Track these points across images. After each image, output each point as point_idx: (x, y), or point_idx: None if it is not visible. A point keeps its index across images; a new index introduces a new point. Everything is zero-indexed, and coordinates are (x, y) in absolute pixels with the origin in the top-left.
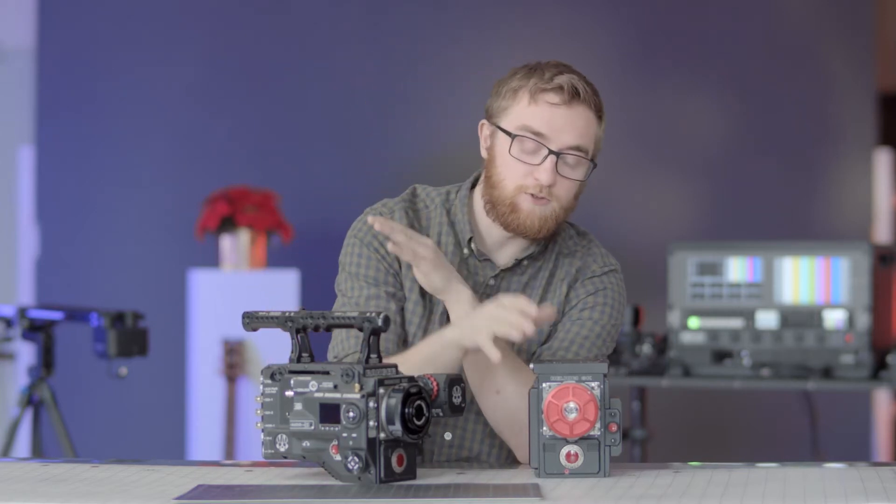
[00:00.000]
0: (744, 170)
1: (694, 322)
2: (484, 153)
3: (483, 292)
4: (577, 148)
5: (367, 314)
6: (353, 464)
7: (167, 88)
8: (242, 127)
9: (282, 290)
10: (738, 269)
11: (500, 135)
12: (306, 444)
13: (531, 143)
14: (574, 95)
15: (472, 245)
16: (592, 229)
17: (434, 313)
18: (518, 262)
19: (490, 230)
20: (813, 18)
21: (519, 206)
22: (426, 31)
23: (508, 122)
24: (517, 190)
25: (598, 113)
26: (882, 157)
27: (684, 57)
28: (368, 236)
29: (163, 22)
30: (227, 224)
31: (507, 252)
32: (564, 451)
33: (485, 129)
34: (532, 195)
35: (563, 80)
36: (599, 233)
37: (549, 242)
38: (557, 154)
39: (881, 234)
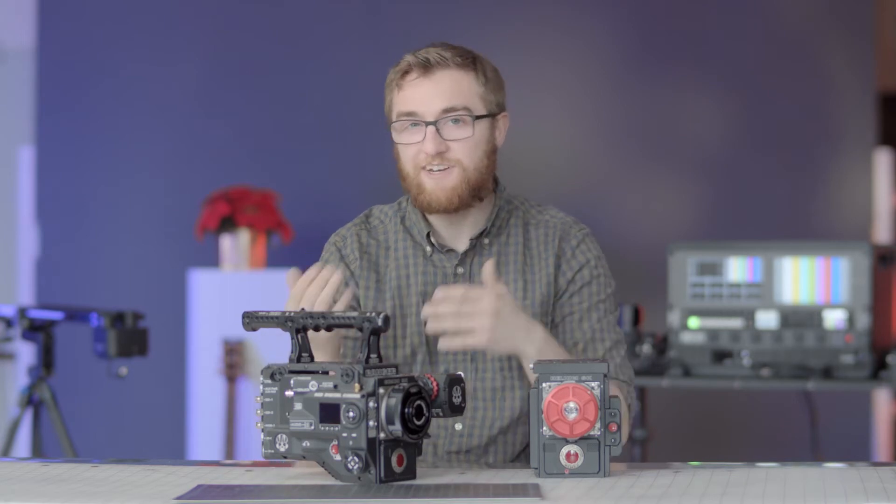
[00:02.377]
0: (744, 170)
1: (694, 322)
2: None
3: (454, 282)
4: (451, 109)
5: (368, 314)
6: (353, 464)
7: (167, 88)
8: (242, 127)
9: (282, 290)
10: (738, 269)
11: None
12: (306, 444)
13: (409, 123)
14: (427, 65)
15: (432, 238)
16: (592, 229)
17: (407, 327)
18: (475, 243)
19: (436, 221)
20: (813, 18)
21: (423, 184)
22: (426, 32)
23: (392, 117)
24: (416, 170)
25: (469, 69)
26: (882, 157)
27: (684, 56)
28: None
29: (163, 22)
30: (227, 224)
31: (461, 237)
32: (564, 450)
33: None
34: (430, 170)
35: (411, 58)
36: (599, 233)
37: (509, 216)
38: (434, 123)
39: (881, 235)
